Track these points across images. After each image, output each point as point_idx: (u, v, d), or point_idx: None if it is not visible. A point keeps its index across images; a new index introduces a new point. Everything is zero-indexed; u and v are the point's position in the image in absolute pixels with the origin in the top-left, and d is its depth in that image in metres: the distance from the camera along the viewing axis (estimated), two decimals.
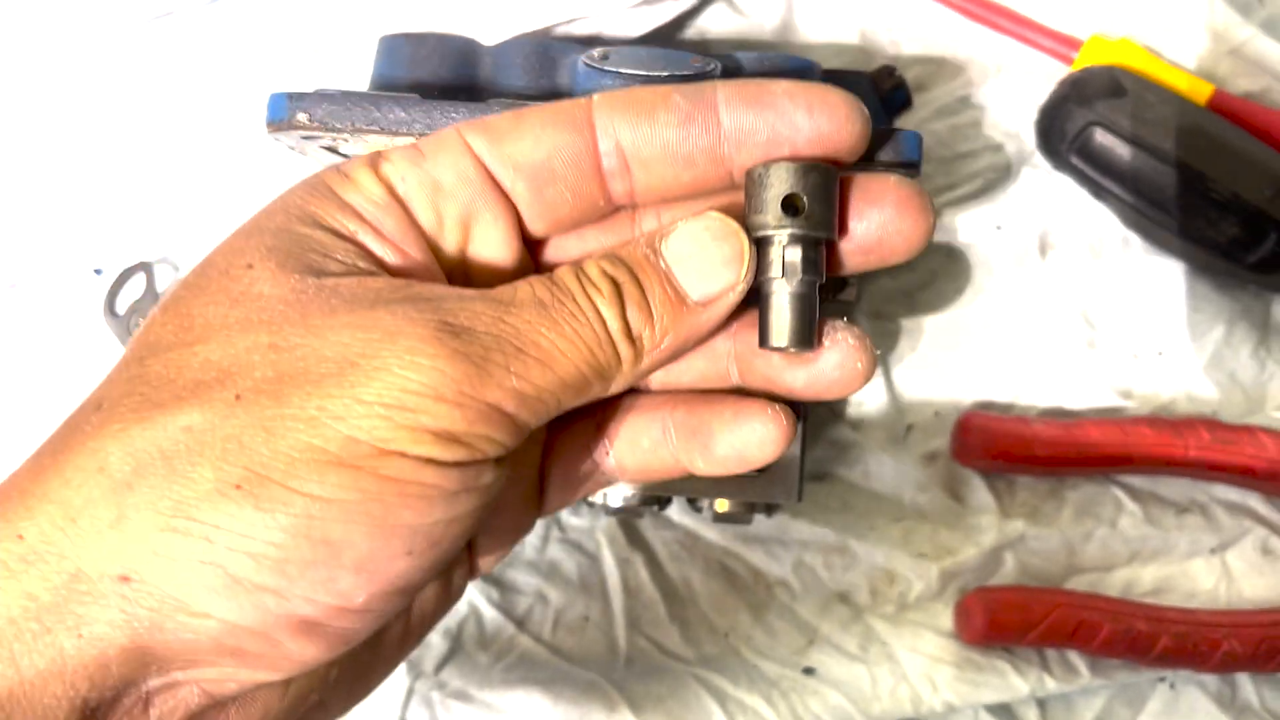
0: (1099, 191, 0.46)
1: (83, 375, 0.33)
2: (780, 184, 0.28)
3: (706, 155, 0.28)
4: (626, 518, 0.45)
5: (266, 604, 0.23)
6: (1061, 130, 0.45)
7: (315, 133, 0.37)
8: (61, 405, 0.25)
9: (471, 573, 0.32)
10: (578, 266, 0.27)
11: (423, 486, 0.24)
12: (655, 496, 0.41)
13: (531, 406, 0.25)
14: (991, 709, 0.44)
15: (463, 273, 0.29)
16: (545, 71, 0.40)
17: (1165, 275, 0.47)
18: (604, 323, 0.26)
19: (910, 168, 0.37)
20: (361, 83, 0.42)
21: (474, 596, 0.44)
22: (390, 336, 0.24)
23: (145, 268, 0.47)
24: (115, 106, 0.47)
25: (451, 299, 0.25)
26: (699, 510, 0.44)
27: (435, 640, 0.44)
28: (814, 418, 0.46)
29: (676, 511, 0.45)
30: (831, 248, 0.29)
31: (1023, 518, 0.45)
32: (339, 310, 0.25)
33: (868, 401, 0.46)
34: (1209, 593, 0.45)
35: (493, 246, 0.28)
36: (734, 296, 0.27)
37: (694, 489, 0.41)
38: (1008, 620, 0.42)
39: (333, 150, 0.40)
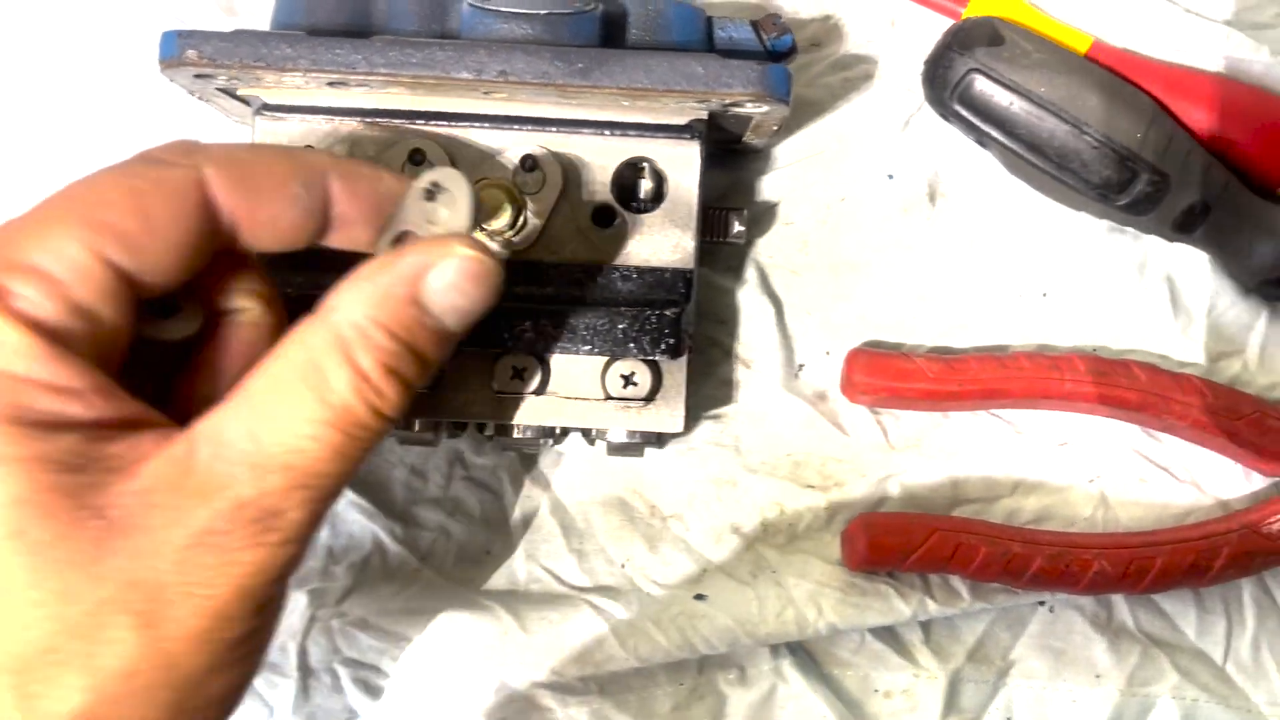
0: (982, 138, 0.47)
1: None
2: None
3: (310, 225, 0.32)
4: (527, 452, 0.46)
5: None
6: (944, 78, 0.47)
7: (206, 70, 0.38)
8: None
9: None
10: (340, 326, 0.29)
11: None
12: (549, 429, 0.43)
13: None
14: (876, 632, 0.45)
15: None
16: (436, 17, 0.42)
17: (1048, 219, 0.48)
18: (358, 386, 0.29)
19: (779, 101, 0.39)
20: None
21: (378, 532, 0.45)
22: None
23: None
24: (21, 49, 0.48)
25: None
26: (593, 443, 0.46)
27: (339, 573, 0.45)
28: (707, 356, 0.47)
29: (574, 446, 0.47)
30: None
31: (908, 450, 0.47)
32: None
33: (760, 341, 0.47)
34: (1087, 520, 0.46)
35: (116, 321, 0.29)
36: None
37: (585, 419, 0.42)
38: (888, 545, 0.44)
39: (229, 93, 0.41)
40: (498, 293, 0.31)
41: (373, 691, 0.44)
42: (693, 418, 0.46)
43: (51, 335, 0.27)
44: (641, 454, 0.45)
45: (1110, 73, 0.47)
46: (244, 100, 0.42)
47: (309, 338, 0.29)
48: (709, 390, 0.47)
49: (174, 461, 0.27)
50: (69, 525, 0.25)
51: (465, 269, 0.30)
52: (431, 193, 0.33)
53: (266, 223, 0.31)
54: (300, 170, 0.32)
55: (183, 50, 0.37)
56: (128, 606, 0.25)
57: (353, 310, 0.29)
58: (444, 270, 0.30)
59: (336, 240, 0.33)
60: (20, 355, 0.26)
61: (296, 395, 0.28)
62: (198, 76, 0.39)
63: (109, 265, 0.28)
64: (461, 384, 0.41)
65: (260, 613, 0.28)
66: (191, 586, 0.26)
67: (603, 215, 0.41)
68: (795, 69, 0.48)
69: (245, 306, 0.33)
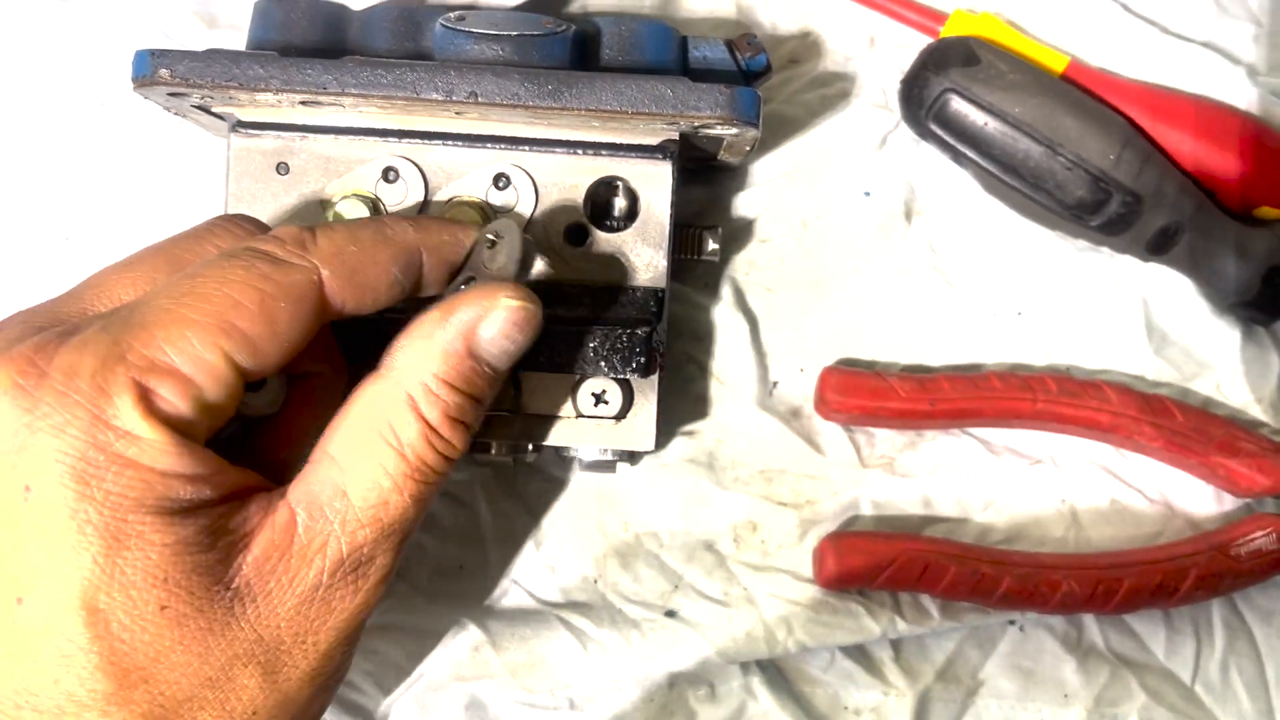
0: (958, 157, 0.48)
1: None
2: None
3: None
4: (501, 468, 0.47)
5: None
6: (920, 98, 0.47)
7: (180, 89, 0.38)
8: None
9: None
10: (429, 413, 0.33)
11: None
12: (523, 446, 0.43)
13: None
14: (846, 650, 0.46)
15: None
16: (410, 35, 0.42)
17: (1023, 238, 0.49)
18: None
19: (748, 124, 0.39)
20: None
21: None
22: None
23: None
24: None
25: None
26: (566, 461, 0.46)
27: None
28: (682, 374, 0.47)
29: (548, 463, 0.47)
30: None
31: (881, 468, 0.47)
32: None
33: (734, 359, 0.47)
34: (1059, 540, 0.47)
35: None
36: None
37: (558, 436, 0.42)
38: (857, 564, 0.44)
39: (205, 110, 0.42)
40: (539, 331, 0.35)
41: (343, 704, 0.44)
42: (667, 434, 0.46)
43: (185, 431, 0.30)
44: (614, 470, 0.45)
45: (1085, 93, 0.47)
46: (220, 116, 0.42)
47: (380, 398, 0.32)
48: (683, 406, 0.47)
49: (280, 530, 0.31)
50: (205, 599, 0.29)
51: (511, 318, 0.33)
52: (493, 241, 0.36)
53: (366, 305, 0.34)
54: (399, 256, 0.34)
55: (155, 69, 0.38)
56: (252, 660, 0.30)
57: (418, 369, 0.32)
58: (493, 321, 0.33)
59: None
60: (163, 453, 0.29)
61: (376, 453, 0.32)
62: (171, 94, 0.39)
63: (235, 366, 0.31)
64: None
65: (353, 645, 0.33)
66: (303, 636, 0.31)
67: (575, 234, 0.42)
68: (772, 85, 0.49)
69: (319, 370, 0.37)
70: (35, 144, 0.48)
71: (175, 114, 0.42)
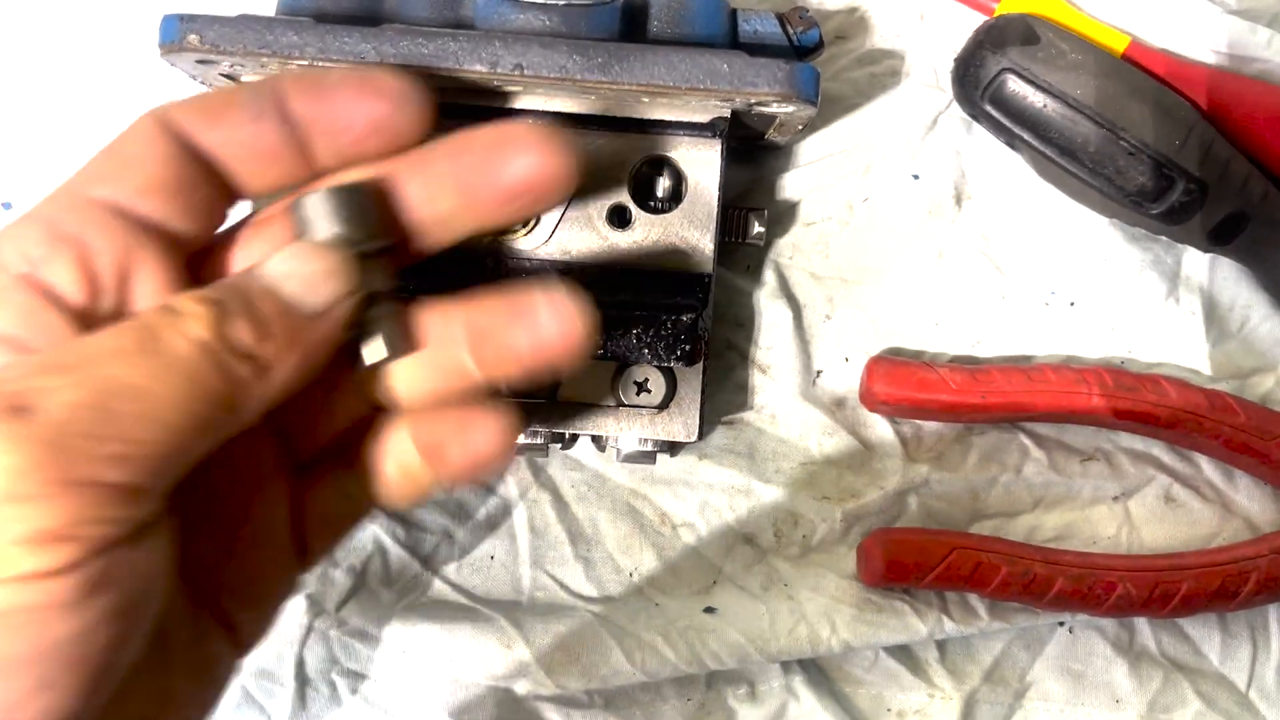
0: (1012, 140, 0.46)
1: None
2: (303, 219, 0.29)
3: (288, 149, 0.29)
4: (533, 457, 0.45)
5: None
6: (975, 77, 0.45)
7: (209, 56, 0.36)
8: None
9: (239, 653, 0.29)
10: (166, 301, 0.26)
11: (26, 610, 0.20)
12: (559, 434, 0.42)
13: (146, 465, 0.22)
14: (891, 650, 0.44)
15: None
16: (449, 3, 0.40)
17: (1078, 225, 0.47)
18: (202, 347, 0.24)
19: (806, 102, 0.37)
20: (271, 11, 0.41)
21: (380, 535, 0.44)
22: None
23: None
24: (22, 30, 0.47)
25: (22, 375, 0.23)
26: (603, 450, 0.44)
27: (339, 577, 0.44)
28: (723, 361, 0.46)
29: (583, 453, 0.45)
30: (390, 250, 0.30)
31: (928, 462, 0.45)
32: None
33: (777, 346, 0.46)
34: (1111, 539, 0.45)
35: (158, 289, 0.27)
36: (349, 303, 0.28)
37: (596, 426, 0.41)
38: (906, 561, 0.42)
39: (233, 79, 0.40)
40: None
41: (371, 704, 0.43)
42: (707, 424, 0.44)
43: None
44: (654, 461, 0.43)
45: (1148, 75, 0.45)
46: None
47: None
48: (724, 395, 0.45)
49: None
50: None
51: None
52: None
53: None
54: None
55: (184, 35, 0.36)
56: None
57: None
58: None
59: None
60: None
61: None
62: (200, 62, 0.37)
63: None
64: None
65: None
66: None
67: (618, 215, 0.40)
68: (819, 63, 0.46)
69: None
70: (58, 114, 0.46)
71: (202, 83, 0.41)
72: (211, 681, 0.29)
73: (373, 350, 0.29)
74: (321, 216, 0.29)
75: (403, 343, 0.29)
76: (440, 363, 0.30)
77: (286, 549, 0.30)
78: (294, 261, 0.27)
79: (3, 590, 0.20)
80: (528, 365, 0.29)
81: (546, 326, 0.29)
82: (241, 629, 0.29)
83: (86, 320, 0.26)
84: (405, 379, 0.30)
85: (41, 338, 0.26)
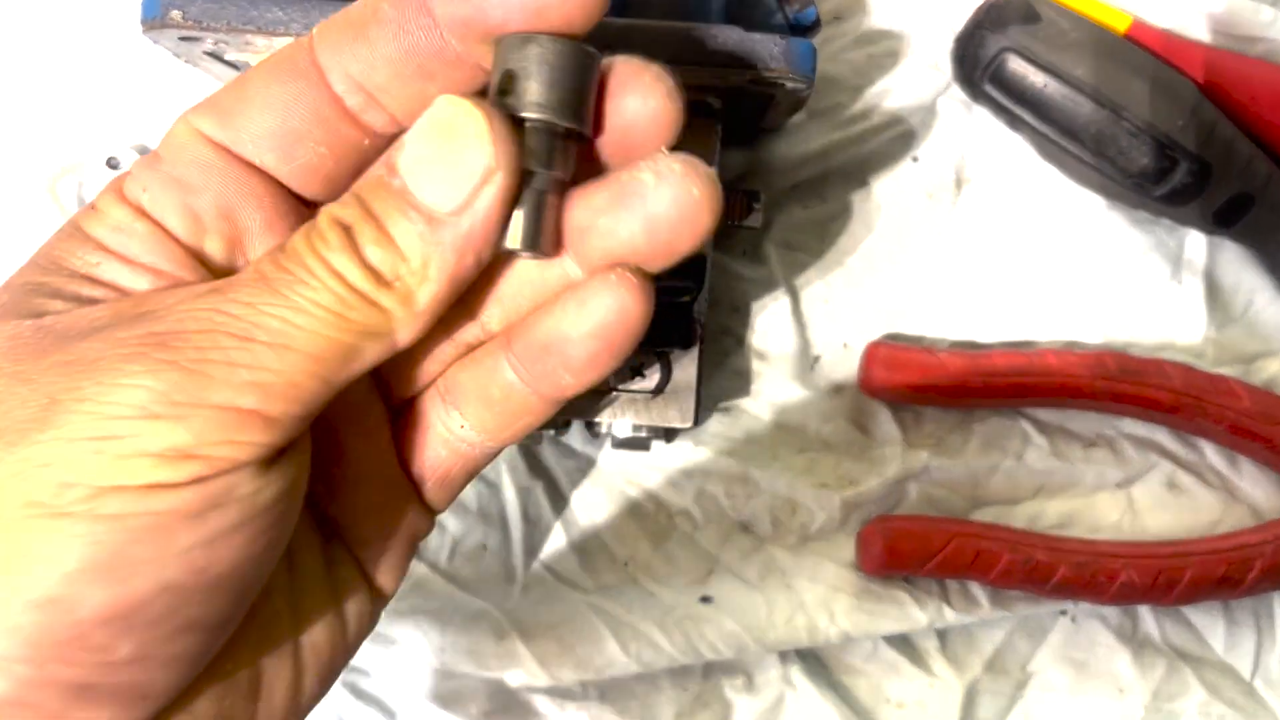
0: (1013, 121, 0.45)
1: None
2: (503, 59, 0.23)
3: (438, 59, 0.24)
4: (528, 444, 0.44)
5: (18, 674, 0.21)
6: (975, 57, 0.44)
7: (192, 33, 0.35)
8: None
9: (376, 595, 0.28)
10: (309, 223, 0.24)
11: (154, 516, 0.21)
12: (552, 421, 0.41)
13: (284, 394, 0.22)
14: (890, 639, 0.43)
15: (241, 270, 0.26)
16: None
17: (1080, 208, 0.46)
18: (341, 277, 0.23)
19: (803, 78, 0.36)
20: None
21: None
22: (91, 365, 0.22)
23: None
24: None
25: (166, 305, 0.23)
26: (597, 436, 0.44)
27: None
28: (719, 346, 0.45)
29: (577, 439, 0.44)
30: (585, 142, 0.25)
31: (928, 449, 0.44)
32: (49, 350, 0.22)
33: (774, 331, 0.45)
34: (1113, 526, 0.44)
35: (268, 230, 0.26)
36: (496, 190, 0.23)
37: (589, 411, 0.40)
38: (906, 549, 0.42)
39: (217, 57, 0.39)
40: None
41: (362, 696, 0.42)
42: (703, 410, 0.44)
43: None
44: (648, 448, 0.42)
45: (1151, 55, 0.44)
46: (233, 65, 0.39)
47: None
48: (721, 381, 0.45)
49: None
50: None
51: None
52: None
53: None
54: None
55: (166, 11, 0.35)
56: None
57: None
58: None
59: None
60: None
61: None
62: (183, 39, 0.36)
63: None
64: None
65: None
66: None
67: None
68: (816, 43, 0.46)
69: None
70: (40, 90, 0.46)
71: (186, 61, 0.40)
72: (347, 623, 0.28)
73: (513, 235, 0.24)
74: (534, 75, 0.23)
75: (545, 240, 0.24)
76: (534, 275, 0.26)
77: (399, 485, 0.28)
78: (426, 145, 0.23)
79: (133, 497, 0.21)
80: (646, 255, 0.25)
81: (657, 205, 0.24)
82: (369, 569, 0.28)
83: (199, 256, 0.26)
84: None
85: (174, 267, 0.25)
